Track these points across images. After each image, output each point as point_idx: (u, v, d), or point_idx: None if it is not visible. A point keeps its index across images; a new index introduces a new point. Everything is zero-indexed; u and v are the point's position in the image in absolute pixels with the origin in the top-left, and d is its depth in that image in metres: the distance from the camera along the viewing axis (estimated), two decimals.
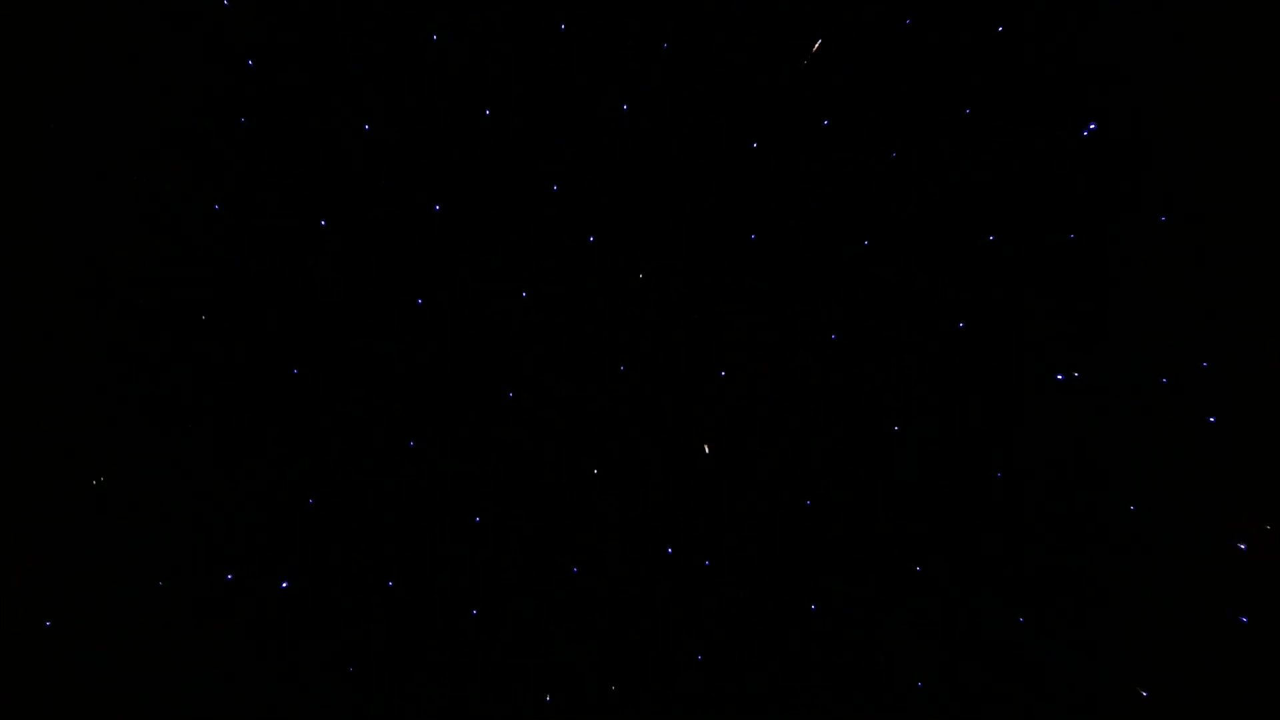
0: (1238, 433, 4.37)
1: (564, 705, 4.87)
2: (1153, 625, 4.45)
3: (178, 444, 4.78)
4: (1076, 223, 4.59)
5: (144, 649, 4.59)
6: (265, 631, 4.77)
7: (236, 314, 4.83)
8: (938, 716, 4.73)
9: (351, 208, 4.89)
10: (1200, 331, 4.43)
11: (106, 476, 4.66)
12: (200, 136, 4.73)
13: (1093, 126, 4.44)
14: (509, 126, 4.92)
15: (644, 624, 4.96)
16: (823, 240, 4.94)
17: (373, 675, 4.83)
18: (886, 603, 4.87)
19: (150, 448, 4.75)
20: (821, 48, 4.40)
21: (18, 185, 4.61)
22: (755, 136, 4.88)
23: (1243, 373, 4.38)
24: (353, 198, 4.89)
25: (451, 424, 5.03)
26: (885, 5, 4.64)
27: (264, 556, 4.82)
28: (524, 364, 5.08)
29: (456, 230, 4.99)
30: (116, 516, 4.67)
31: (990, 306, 4.75)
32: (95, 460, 4.66)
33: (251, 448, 4.84)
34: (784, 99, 4.82)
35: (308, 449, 4.91)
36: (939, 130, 4.71)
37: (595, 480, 5.05)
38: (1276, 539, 4.27)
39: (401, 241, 4.95)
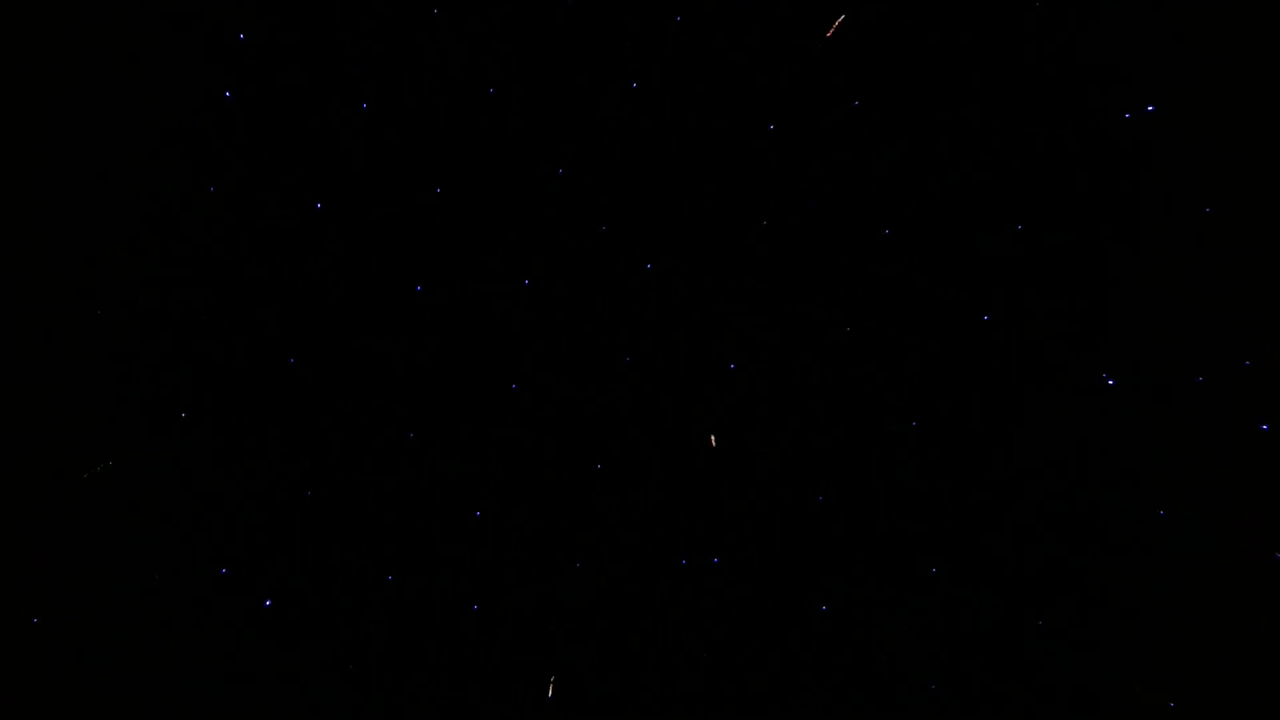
0: (1241, 433, 4.36)
1: (564, 704, 4.87)
2: (1154, 626, 4.43)
3: (178, 443, 4.78)
4: (1078, 222, 4.57)
5: (144, 649, 4.60)
6: (265, 630, 4.77)
7: (236, 314, 4.83)
8: (938, 716, 4.72)
9: (351, 206, 4.90)
10: (1203, 332, 4.41)
11: (105, 474, 4.66)
12: (200, 136, 4.73)
13: (1149, 109, 4.35)
14: (508, 126, 4.92)
15: (645, 623, 4.96)
16: (822, 240, 4.93)
17: (373, 674, 4.83)
18: (887, 603, 4.86)
19: (150, 447, 4.75)
20: (841, 26, 4.36)
21: (18, 185, 4.61)
22: (755, 136, 4.87)
23: (1247, 373, 4.36)
24: (352, 196, 4.89)
25: (452, 420, 5.03)
26: (886, 4, 4.63)
27: (264, 555, 4.82)
28: (525, 361, 5.08)
29: (457, 229, 4.98)
30: (116, 516, 4.67)
31: (991, 307, 4.74)
32: (95, 460, 4.67)
33: (251, 446, 4.85)
34: (785, 98, 4.81)
35: (308, 447, 4.91)
36: (939, 130, 4.69)
37: (597, 477, 5.05)
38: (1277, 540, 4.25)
39: (401, 240, 4.95)
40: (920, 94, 4.68)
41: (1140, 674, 4.42)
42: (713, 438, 4.98)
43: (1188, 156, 4.38)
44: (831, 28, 4.31)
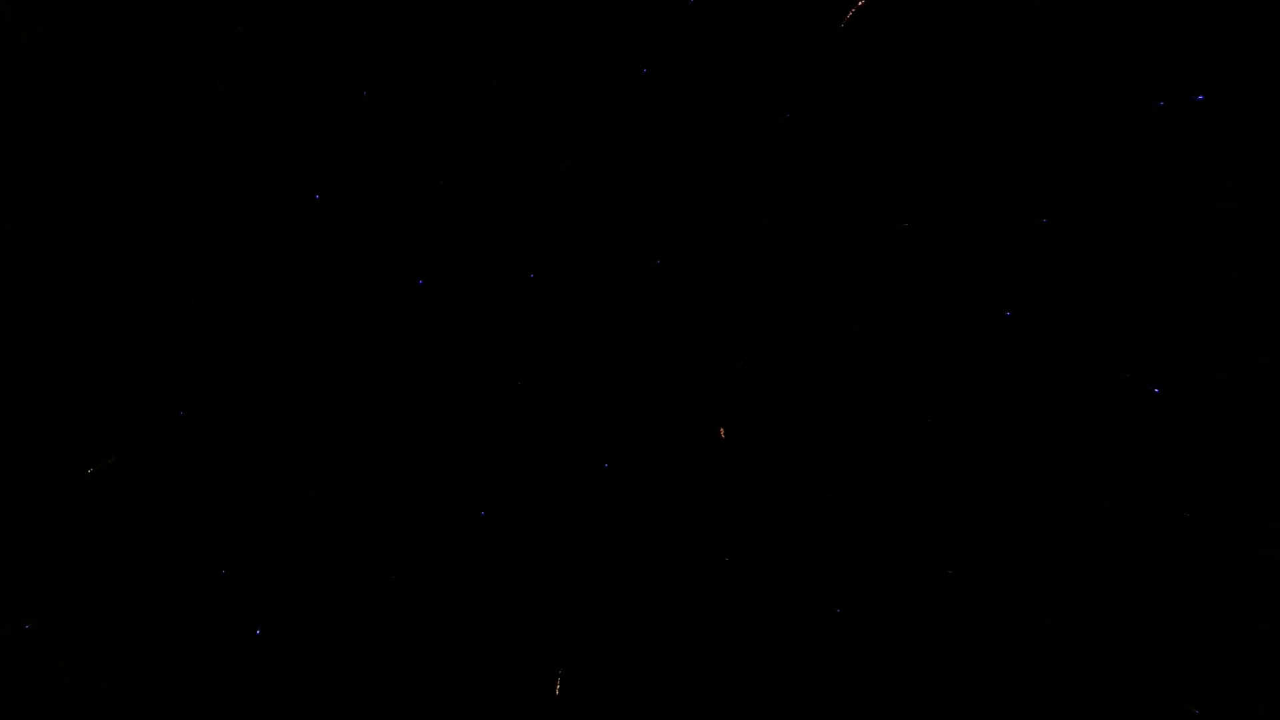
0: (1241, 434, 4.36)
1: (565, 704, 4.86)
2: (1156, 626, 4.44)
3: (178, 443, 4.78)
4: (1084, 222, 4.56)
5: (144, 649, 4.60)
6: (265, 631, 4.77)
7: (236, 314, 4.83)
8: (938, 716, 4.72)
9: (352, 202, 4.89)
10: (1202, 333, 4.41)
11: (105, 474, 4.66)
12: (200, 137, 4.73)
13: (1199, 98, 4.30)
14: (511, 120, 4.91)
15: (646, 624, 4.95)
16: (827, 238, 4.92)
17: (372, 675, 4.83)
18: (886, 603, 4.85)
19: (150, 447, 4.75)
20: (853, 19, 4.34)
21: (17, 185, 4.61)
22: (760, 133, 4.87)
23: (1251, 374, 4.36)
24: (353, 191, 4.89)
25: (455, 419, 5.02)
26: (895, 5, 4.62)
27: (264, 555, 4.82)
28: (529, 358, 5.07)
29: (459, 224, 4.98)
30: (115, 516, 4.67)
31: (994, 307, 4.73)
32: (95, 460, 4.67)
33: (251, 446, 4.84)
34: (790, 95, 4.81)
35: (308, 447, 4.90)
36: (946, 129, 4.69)
37: (602, 476, 5.04)
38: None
39: (403, 235, 4.95)
40: (924, 93, 4.67)
41: (1141, 674, 4.42)
42: (722, 430, 4.97)
43: (1197, 157, 4.37)
44: (845, 17, 4.29)
